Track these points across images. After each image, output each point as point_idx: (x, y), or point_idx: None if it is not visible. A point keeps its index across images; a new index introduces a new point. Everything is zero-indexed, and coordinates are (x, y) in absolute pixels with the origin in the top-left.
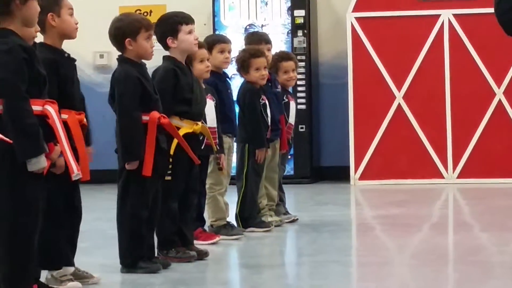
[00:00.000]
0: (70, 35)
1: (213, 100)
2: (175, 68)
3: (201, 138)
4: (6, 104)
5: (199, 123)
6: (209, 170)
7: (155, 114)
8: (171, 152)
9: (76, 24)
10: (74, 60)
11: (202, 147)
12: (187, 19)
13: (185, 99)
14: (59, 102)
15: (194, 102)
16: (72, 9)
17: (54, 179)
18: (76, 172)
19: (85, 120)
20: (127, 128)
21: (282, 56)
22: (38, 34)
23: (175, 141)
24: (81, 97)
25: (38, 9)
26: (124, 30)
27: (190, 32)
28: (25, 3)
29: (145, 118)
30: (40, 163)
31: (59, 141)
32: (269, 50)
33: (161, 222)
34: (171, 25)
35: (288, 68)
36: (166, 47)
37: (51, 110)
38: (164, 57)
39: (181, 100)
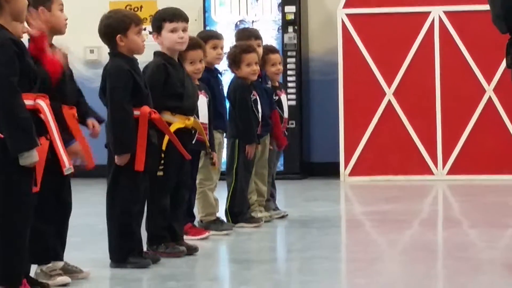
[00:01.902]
0: (60, 31)
1: (207, 97)
2: (165, 63)
3: (192, 132)
4: None
5: (191, 118)
6: (199, 166)
7: (146, 108)
8: (163, 147)
9: (66, 20)
10: (65, 54)
11: (193, 142)
12: (171, 16)
13: (176, 93)
14: (51, 97)
15: (186, 96)
16: (62, 5)
17: (44, 174)
18: (67, 166)
19: (76, 115)
20: (119, 121)
21: (269, 49)
22: None
23: (167, 136)
24: (77, 88)
25: (26, 2)
26: (114, 27)
27: (173, 31)
28: None
29: (136, 113)
30: (32, 157)
31: (51, 135)
32: (259, 46)
33: (152, 218)
34: (157, 21)
35: (275, 61)
36: None
37: (43, 104)
38: (155, 53)
39: (172, 95)
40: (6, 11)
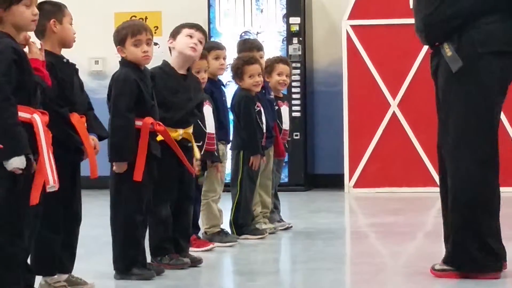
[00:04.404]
0: (68, 44)
1: (211, 106)
2: (156, 70)
3: (189, 144)
4: None
5: (180, 130)
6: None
7: (149, 119)
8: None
9: (74, 34)
10: (73, 65)
11: (202, 152)
12: (190, 25)
13: (162, 103)
14: (61, 106)
15: (175, 108)
16: (72, 19)
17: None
18: (51, 184)
19: (85, 124)
20: (118, 128)
21: (280, 59)
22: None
23: (159, 137)
24: (87, 100)
25: (26, 13)
26: (115, 38)
27: (190, 36)
28: (8, 9)
29: (138, 123)
30: (16, 163)
31: (40, 151)
32: (261, 57)
33: (153, 229)
34: (175, 28)
35: (283, 71)
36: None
37: (37, 119)
38: (163, 61)
39: (158, 104)
40: (6, 23)
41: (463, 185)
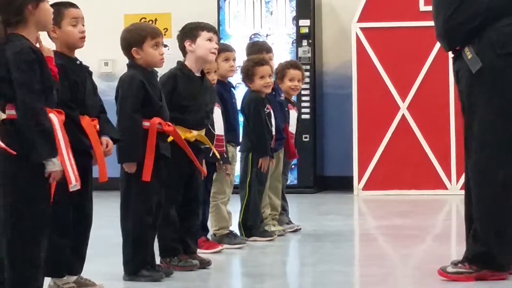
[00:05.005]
0: (75, 45)
1: (220, 108)
2: (178, 73)
3: (202, 147)
4: (22, 105)
5: (195, 131)
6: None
7: (156, 119)
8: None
9: (81, 33)
10: (86, 67)
11: (210, 155)
12: (209, 27)
13: (181, 105)
14: (72, 108)
15: (192, 110)
16: (76, 18)
17: (65, 186)
18: (73, 183)
19: (98, 127)
20: (125, 129)
21: (291, 64)
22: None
23: (170, 138)
24: (100, 103)
25: (51, 9)
26: (129, 40)
27: (209, 40)
28: (37, 7)
29: (145, 124)
30: (58, 165)
31: (59, 151)
32: (270, 59)
33: (162, 230)
34: (191, 29)
35: (294, 76)
36: (184, 52)
37: (54, 118)
38: (177, 62)
39: (176, 106)
40: (31, 23)
41: (488, 186)
